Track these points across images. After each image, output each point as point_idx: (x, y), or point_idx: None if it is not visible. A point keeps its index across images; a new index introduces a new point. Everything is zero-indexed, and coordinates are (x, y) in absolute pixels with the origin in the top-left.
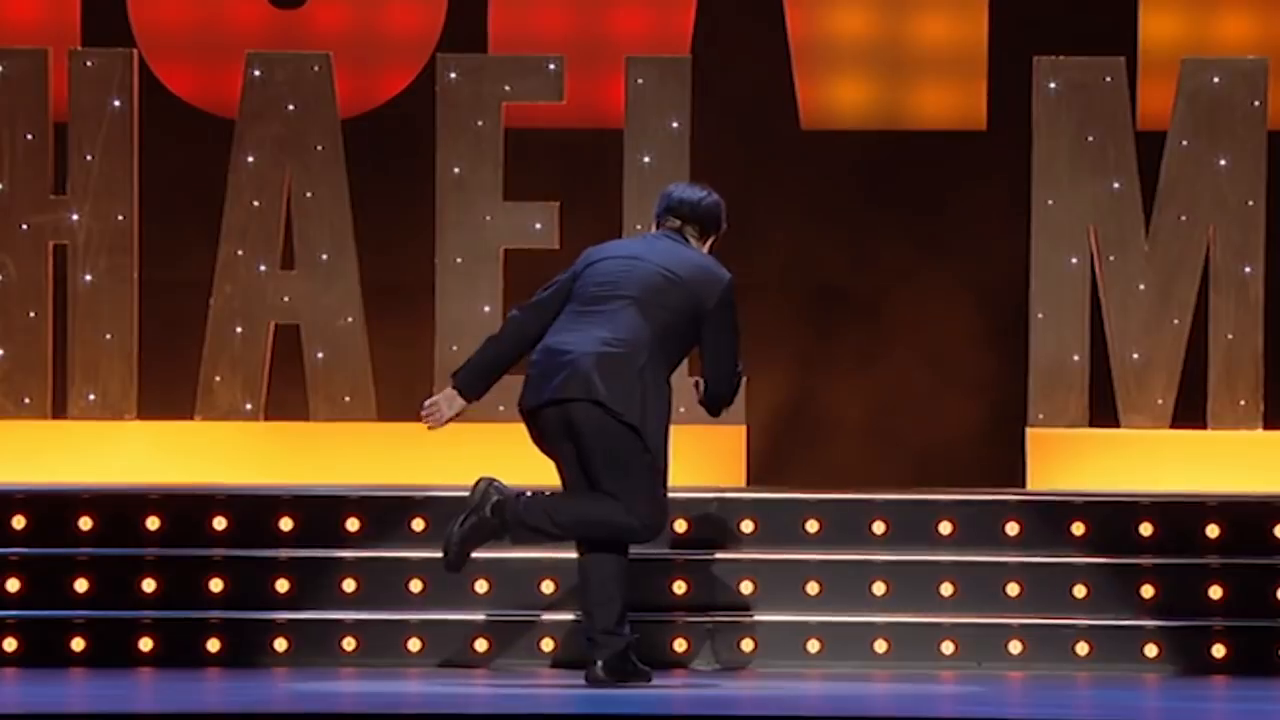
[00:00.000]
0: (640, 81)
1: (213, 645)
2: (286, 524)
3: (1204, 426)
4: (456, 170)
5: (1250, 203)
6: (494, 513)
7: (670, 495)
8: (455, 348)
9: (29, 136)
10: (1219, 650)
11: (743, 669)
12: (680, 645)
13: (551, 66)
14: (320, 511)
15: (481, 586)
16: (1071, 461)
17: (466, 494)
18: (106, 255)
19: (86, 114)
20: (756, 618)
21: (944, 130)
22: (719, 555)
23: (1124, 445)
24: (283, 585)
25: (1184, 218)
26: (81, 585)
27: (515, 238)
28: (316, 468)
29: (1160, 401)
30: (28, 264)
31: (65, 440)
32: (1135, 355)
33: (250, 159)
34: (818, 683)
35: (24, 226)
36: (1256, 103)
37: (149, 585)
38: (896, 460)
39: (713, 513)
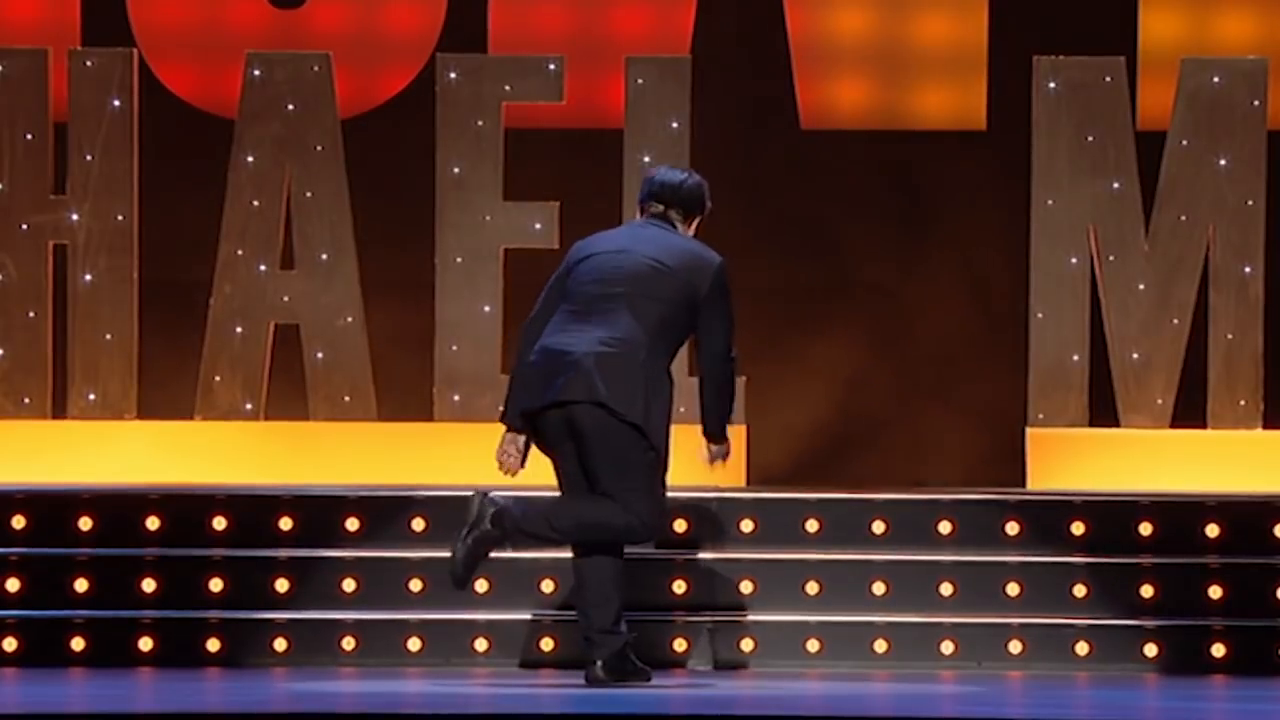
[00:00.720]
0: (640, 81)
1: (212, 645)
2: (286, 524)
3: (1204, 426)
4: (456, 170)
5: (1250, 203)
6: (494, 524)
7: (670, 495)
8: (455, 347)
9: (29, 136)
10: (1218, 650)
11: (742, 669)
12: (680, 645)
13: (551, 66)
14: (320, 511)
15: (481, 586)
16: (1071, 461)
17: (467, 494)
18: (106, 255)
19: (86, 114)
20: (756, 617)
21: (944, 130)
22: (719, 555)
23: (1124, 445)
24: (282, 585)
25: (1184, 218)
26: (81, 585)
27: (515, 237)
28: (316, 468)
29: (1160, 401)
30: (28, 264)
31: (65, 440)
32: (1135, 355)
33: (250, 159)
34: (817, 683)
35: (24, 226)
36: (1256, 103)
37: (149, 585)
38: (896, 460)
39: (713, 513)
